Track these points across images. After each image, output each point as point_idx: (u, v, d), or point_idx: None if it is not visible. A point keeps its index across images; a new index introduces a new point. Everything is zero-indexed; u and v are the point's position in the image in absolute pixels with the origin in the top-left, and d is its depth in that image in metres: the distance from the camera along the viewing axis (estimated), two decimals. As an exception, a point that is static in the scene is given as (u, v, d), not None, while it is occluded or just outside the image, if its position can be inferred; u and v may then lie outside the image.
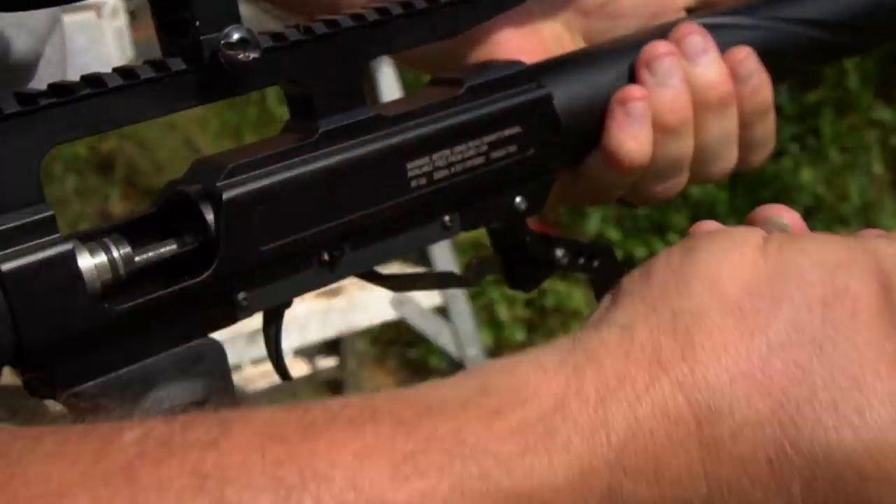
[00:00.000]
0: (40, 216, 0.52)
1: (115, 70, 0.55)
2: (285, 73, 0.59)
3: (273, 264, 0.59)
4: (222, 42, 0.55)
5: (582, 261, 0.70)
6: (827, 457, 0.39)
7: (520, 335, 2.96)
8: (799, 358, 0.40)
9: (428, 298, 2.26)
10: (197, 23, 0.56)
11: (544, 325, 3.00)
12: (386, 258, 0.64)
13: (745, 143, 0.73)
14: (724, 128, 0.71)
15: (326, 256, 0.61)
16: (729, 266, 0.42)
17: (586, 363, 0.40)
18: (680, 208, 3.13)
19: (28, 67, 0.70)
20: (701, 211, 3.12)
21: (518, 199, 0.67)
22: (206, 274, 0.56)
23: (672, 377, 0.39)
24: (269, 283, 0.60)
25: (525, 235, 0.69)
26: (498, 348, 2.82)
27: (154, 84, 0.55)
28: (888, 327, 0.40)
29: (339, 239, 0.61)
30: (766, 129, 0.73)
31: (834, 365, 0.40)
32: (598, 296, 0.74)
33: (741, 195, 3.07)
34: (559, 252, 0.69)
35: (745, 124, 0.71)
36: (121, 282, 0.55)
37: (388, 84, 2.24)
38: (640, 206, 0.75)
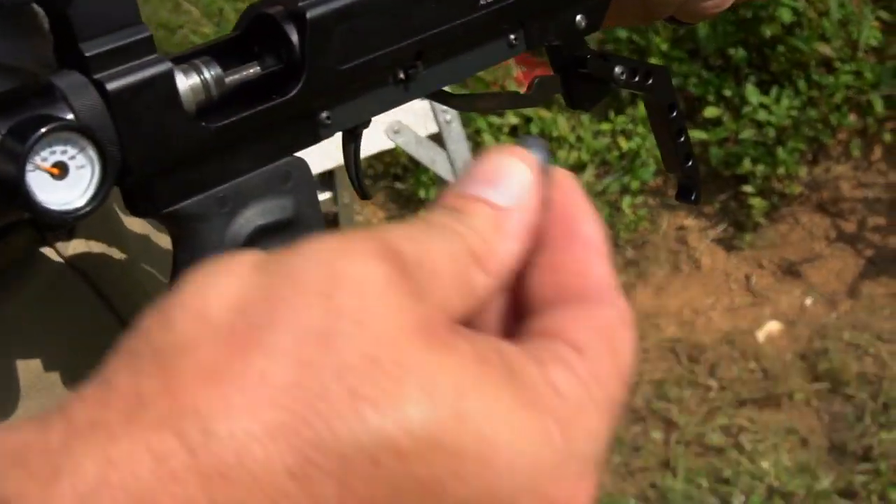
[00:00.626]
0: (139, 37, 0.53)
1: None
2: None
3: (353, 83, 0.60)
4: None
5: (638, 78, 0.71)
6: (356, 448, 0.34)
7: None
8: (305, 357, 0.35)
9: (423, 128, 2.26)
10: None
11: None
12: (458, 76, 0.65)
13: None
14: None
15: (402, 75, 0.62)
16: (216, 289, 0.37)
17: (57, 416, 0.34)
18: (661, 31, 3.12)
19: None
20: (683, 37, 3.11)
21: (579, 17, 0.68)
22: (293, 93, 0.57)
23: (154, 412, 0.34)
24: (350, 102, 0.61)
25: (586, 53, 0.69)
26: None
27: None
28: (403, 299, 0.36)
29: (414, 57, 0.62)
30: None
31: (346, 352, 0.35)
32: (650, 114, 0.76)
33: (721, 18, 3.06)
34: (618, 69, 0.70)
35: None
36: (213, 102, 0.56)
37: None
38: (691, 23, 0.75)
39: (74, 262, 0.66)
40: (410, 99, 0.63)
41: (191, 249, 0.58)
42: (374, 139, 2.29)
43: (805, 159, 3.06)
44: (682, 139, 0.73)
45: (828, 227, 2.97)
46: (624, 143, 3.14)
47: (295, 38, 0.57)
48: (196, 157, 0.56)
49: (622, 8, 0.71)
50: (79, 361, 0.63)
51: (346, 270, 0.36)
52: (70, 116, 0.51)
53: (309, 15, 0.57)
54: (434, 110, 2.28)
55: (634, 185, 3.09)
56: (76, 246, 0.66)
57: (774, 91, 3.00)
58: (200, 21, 3.65)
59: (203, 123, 0.55)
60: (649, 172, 3.09)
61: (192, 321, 0.36)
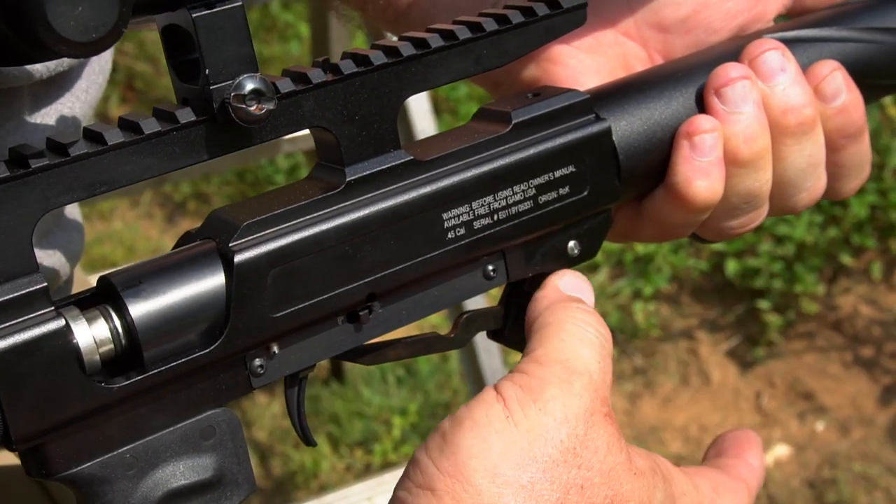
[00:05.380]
0: (32, 289, 0.47)
1: (121, 122, 0.48)
2: (307, 120, 0.53)
3: (291, 329, 0.53)
4: (233, 94, 0.49)
5: None
6: None
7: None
8: (570, 501, 0.48)
9: None
10: (206, 70, 0.49)
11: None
12: (421, 313, 0.58)
13: (834, 170, 0.64)
14: (807, 155, 0.62)
15: (352, 316, 0.55)
16: (494, 449, 0.47)
17: None
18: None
19: (76, 67, 0.66)
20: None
21: (571, 244, 0.61)
22: (215, 345, 0.50)
23: None
24: (289, 348, 0.54)
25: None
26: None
27: (160, 139, 0.49)
28: (619, 446, 0.51)
29: (366, 299, 0.55)
30: (859, 152, 0.64)
31: (596, 496, 0.49)
32: None
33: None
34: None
35: (833, 149, 0.63)
36: (124, 352, 0.49)
37: (419, 105, 2.09)
38: (715, 241, 0.67)
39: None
40: (365, 340, 0.56)
41: None
42: None
43: (824, 277, 2.98)
44: None
45: (844, 350, 2.89)
46: (640, 247, 3.08)
47: (220, 281, 0.51)
48: (96, 418, 0.49)
49: (629, 227, 0.64)
50: None
51: (586, 432, 0.49)
52: None
53: (237, 259, 0.50)
54: None
55: (647, 290, 3.02)
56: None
57: (796, 205, 2.94)
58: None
59: (102, 384, 0.48)
60: (663, 278, 3.02)
61: (491, 482, 0.47)
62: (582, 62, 0.65)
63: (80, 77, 0.66)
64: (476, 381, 2.21)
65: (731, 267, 2.95)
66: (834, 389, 2.82)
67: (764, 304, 2.92)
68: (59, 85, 0.63)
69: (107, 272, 0.51)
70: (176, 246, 0.53)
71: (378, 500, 2.14)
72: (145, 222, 3.38)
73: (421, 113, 2.09)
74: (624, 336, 2.98)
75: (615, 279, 3.08)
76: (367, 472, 2.62)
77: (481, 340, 2.16)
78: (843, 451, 2.68)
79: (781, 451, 2.71)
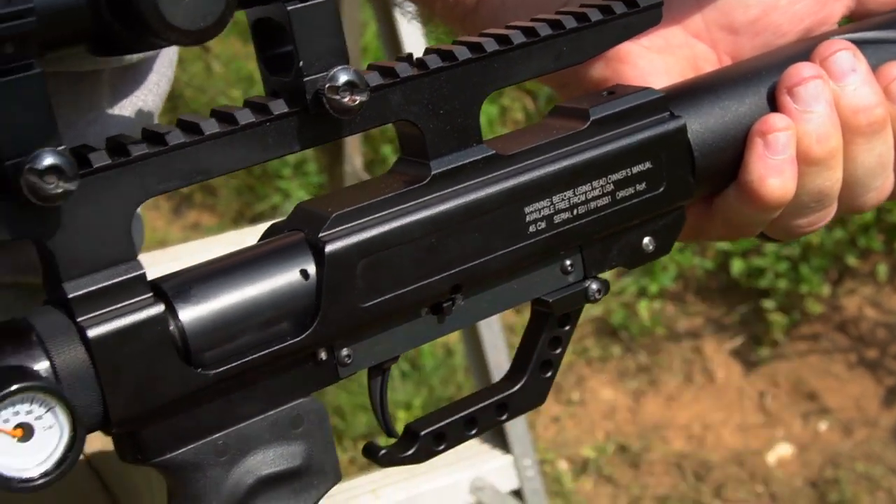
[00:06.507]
0: (131, 275, 0.48)
1: (214, 113, 0.50)
2: (395, 113, 0.54)
3: (378, 320, 0.54)
4: (327, 85, 0.50)
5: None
6: None
7: None
8: None
9: (505, 482, 2.18)
10: (300, 63, 0.50)
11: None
12: (501, 307, 0.58)
13: None
14: (877, 154, 0.63)
15: (436, 308, 0.56)
16: None
17: None
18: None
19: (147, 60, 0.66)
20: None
21: (647, 240, 0.62)
22: (306, 333, 0.51)
23: None
24: (374, 338, 0.55)
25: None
26: None
27: (254, 130, 0.50)
28: None
29: (450, 291, 0.56)
30: None
31: None
32: (535, 318, 0.63)
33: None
34: (595, 286, 0.61)
35: None
36: (218, 340, 0.50)
37: None
38: (783, 240, 0.68)
39: (89, 456, 0.61)
40: (447, 332, 0.57)
41: (186, 500, 0.52)
42: (458, 495, 2.16)
43: (829, 278, 2.99)
44: (558, 351, 0.62)
45: (848, 351, 2.89)
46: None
47: (312, 271, 0.51)
48: (192, 404, 0.50)
49: (700, 226, 0.65)
50: None
51: None
52: (45, 364, 0.46)
53: (328, 249, 0.52)
54: (517, 466, 2.20)
55: (653, 288, 3.02)
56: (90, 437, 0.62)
57: (803, 206, 2.94)
58: (230, 83, 3.63)
59: (199, 370, 0.49)
60: (669, 277, 3.03)
61: None
62: (652, 62, 0.66)
63: (151, 70, 0.67)
64: (481, 376, 2.22)
65: (737, 266, 2.95)
66: (838, 390, 2.83)
67: (769, 304, 2.93)
68: (133, 78, 0.64)
69: (198, 262, 0.52)
70: (263, 238, 0.54)
71: (382, 492, 2.15)
72: (152, 213, 3.39)
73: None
74: (629, 334, 2.99)
75: (620, 277, 3.09)
76: (370, 465, 2.63)
77: (487, 335, 2.17)
78: (846, 452, 2.68)
79: (785, 450, 2.72)
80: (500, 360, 2.16)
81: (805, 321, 2.95)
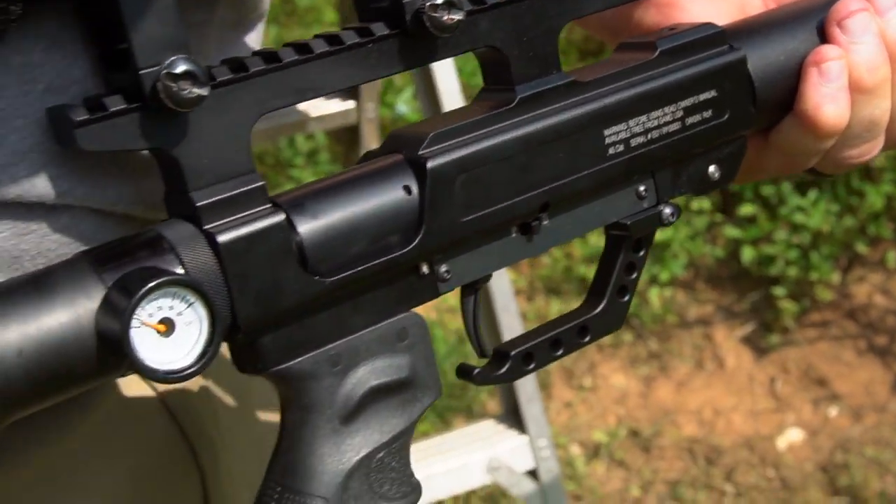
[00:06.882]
0: (253, 186, 0.51)
1: (319, 36, 0.53)
2: (485, 37, 0.57)
3: (474, 235, 0.57)
4: (427, 3, 0.53)
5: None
6: None
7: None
8: None
9: (520, 462, 2.21)
10: None
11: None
12: (582, 229, 0.62)
13: None
14: None
15: (524, 227, 0.59)
16: None
17: None
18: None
19: None
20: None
21: (712, 168, 0.65)
22: (412, 245, 0.54)
23: None
24: (470, 255, 0.58)
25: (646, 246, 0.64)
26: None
27: (359, 50, 0.53)
28: None
29: (539, 209, 0.59)
30: None
31: None
32: (612, 243, 0.66)
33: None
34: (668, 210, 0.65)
35: None
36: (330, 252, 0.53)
37: (448, 79, 2.13)
38: (831, 175, 0.71)
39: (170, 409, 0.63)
40: (534, 253, 0.60)
41: (300, 410, 0.55)
42: (475, 475, 2.18)
43: (839, 266, 3.01)
44: (633, 276, 0.65)
45: (857, 338, 2.92)
46: (657, 234, 3.10)
47: (414, 187, 0.55)
48: (309, 312, 0.53)
49: (761, 161, 0.68)
50: (136, 498, 0.61)
51: None
52: (179, 269, 0.49)
53: (430, 165, 0.55)
54: (532, 447, 2.22)
55: (664, 276, 3.04)
56: None
57: (813, 194, 2.96)
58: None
59: (317, 277, 0.52)
60: (679, 265, 3.05)
61: None
62: (703, 7, 0.69)
63: (257, 24, 0.68)
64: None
65: (747, 254, 2.98)
66: (847, 376, 2.85)
67: (779, 292, 2.95)
68: (237, 32, 0.66)
69: (307, 182, 0.55)
70: (359, 163, 0.57)
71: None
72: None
73: (449, 92, 2.13)
74: (640, 321, 3.01)
75: (631, 265, 3.11)
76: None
77: (504, 318, 2.19)
78: (856, 437, 2.71)
79: (795, 435, 2.74)
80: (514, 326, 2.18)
81: (815, 308, 2.98)
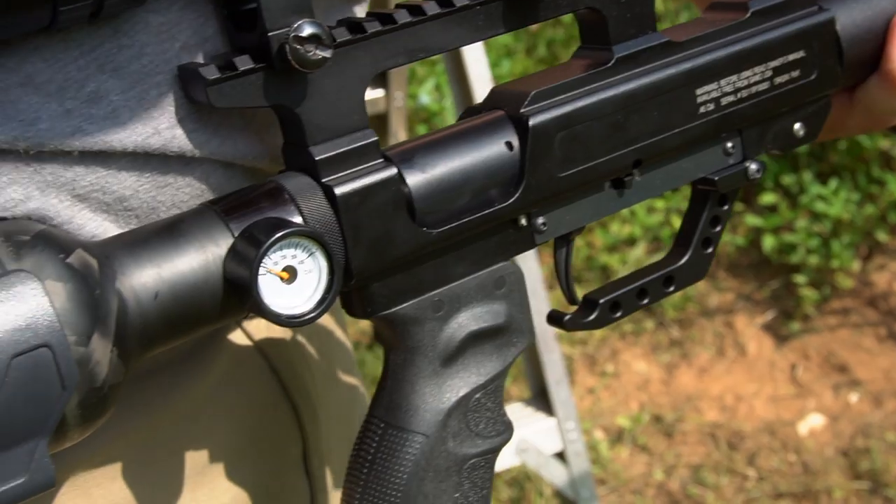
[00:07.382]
0: (367, 141, 0.54)
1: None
2: (582, 0, 0.59)
3: (571, 190, 0.59)
4: None
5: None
6: None
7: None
8: None
9: (548, 445, 2.24)
10: None
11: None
12: (672, 184, 0.64)
13: None
14: None
15: (617, 182, 0.62)
16: None
17: None
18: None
19: None
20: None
21: (797, 126, 0.67)
22: (513, 198, 0.57)
23: None
24: (565, 208, 0.60)
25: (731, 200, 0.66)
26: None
27: (468, 11, 0.56)
28: None
29: (632, 165, 0.62)
30: None
31: None
32: (697, 196, 0.70)
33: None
34: (754, 166, 0.66)
35: None
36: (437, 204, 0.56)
37: (478, 66, 2.17)
38: None
39: (256, 339, 0.66)
40: (625, 206, 0.63)
41: (404, 352, 0.58)
42: (503, 457, 2.15)
43: (860, 254, 3.03)
44: (718, 228, 0.68)
45: (878, 325, 2.94)
46: (677, 221, 3.13)
47: (516, 143, 0.57)
48: (416, 261, 0.56)
49: (844, 119, 0.70)
50: (246, 451, 0.63)
51: None
52: (298, 220, 0.51)
53: (532, 122, 0.57)
54: (560, 429, 2.25)
55: (685, 264, 3.06)
56: (256, 323, 0.65)
57: (833, 183, 2.99)
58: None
59: (425, 229, 0.55)
60: (700, 253, 3.07)
61: None
62: None
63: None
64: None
65: (768, 242, 3.00)
66: (868, 363, 2.88)
67: (800, 280, 2.98)
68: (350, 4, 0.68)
69: (409, 139, 0.58)
70: (461, 119, 0.59)
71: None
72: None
73: (480, 79, 2.17)
74: (661, 309, 3.04)
75: (652, 254, 3.14)
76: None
77: (533, 302, 2.21)
78: (877, 422, 2.73)
79: (816, 421, 2.77)
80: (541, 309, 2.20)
81: (835, 296, 3.00)
